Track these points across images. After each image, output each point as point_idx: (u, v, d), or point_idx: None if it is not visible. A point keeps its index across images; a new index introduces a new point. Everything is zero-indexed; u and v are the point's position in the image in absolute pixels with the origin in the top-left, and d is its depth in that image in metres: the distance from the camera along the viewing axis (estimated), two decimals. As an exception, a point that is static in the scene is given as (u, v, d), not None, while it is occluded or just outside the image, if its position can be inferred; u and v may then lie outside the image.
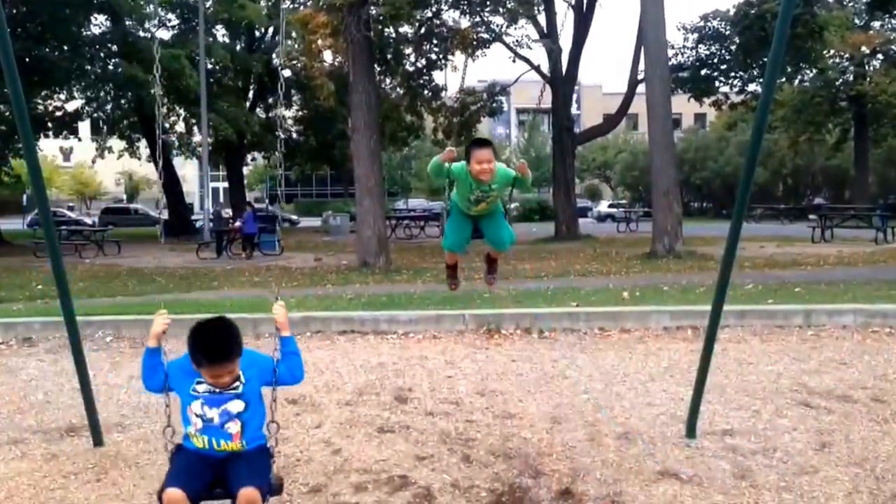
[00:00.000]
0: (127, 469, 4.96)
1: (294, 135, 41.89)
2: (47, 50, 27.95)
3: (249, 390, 3.61)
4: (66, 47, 29.18)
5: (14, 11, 26.45)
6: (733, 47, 29.23)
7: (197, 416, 3.54)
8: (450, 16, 24.97)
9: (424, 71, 27.56)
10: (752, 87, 30.70)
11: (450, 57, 26.42)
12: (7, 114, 25.61)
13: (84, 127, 38.74)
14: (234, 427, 3.53)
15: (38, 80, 27.69)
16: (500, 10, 24.15)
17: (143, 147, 39.92)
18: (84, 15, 29.39)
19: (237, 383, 3.58)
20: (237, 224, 25.19)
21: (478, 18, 25.18)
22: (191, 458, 3.57)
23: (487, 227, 5.45)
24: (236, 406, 3.55)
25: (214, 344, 3.48)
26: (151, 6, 30.86)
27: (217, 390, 3.55)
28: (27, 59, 25.68)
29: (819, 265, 16.95)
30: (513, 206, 5.55)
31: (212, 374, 3.49)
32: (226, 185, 49.02)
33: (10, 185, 38.28)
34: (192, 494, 3.39)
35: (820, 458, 4.95)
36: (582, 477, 4.70)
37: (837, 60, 36.18)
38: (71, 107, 35.00)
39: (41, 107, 32.01)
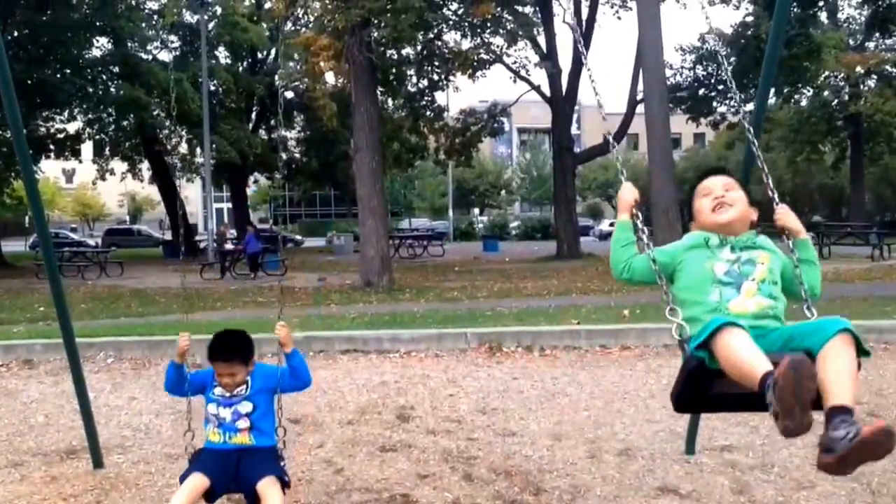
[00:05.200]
0: (127, 491, 4.96)
1: (297, 155, 42.12)
2: (49, 72, 28.11)
3: (255, 394, 3.96)
4: (67, 70, 29.38)
5: (16, 34, 26.69)
6: (730, 68, 29.49)
7: (213, 415, 3.93)
8: (451, 37, 25.17)
9: (426, 92, 27.76)
10: (749, 106, 30.87)
11: (451, 78, 26.63)
12: (8, 135, 25.76)
13: (86, 148, 38.96)
14: (243, 424, 3.90)
15: (40, 101, 27.90)
16: (501, 31, 24.32)
17: (145, 169, 40.14)
18: (86, 37, 29.63)
19: (244, 388, 3.95)
20: (240, 246, 25.25)
21: (478, 40, 25.35)
22: (210, 455, 3.89)
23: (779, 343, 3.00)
24: (245, 407, 3.93)
25: (224, 342, 3.93)
26: (153, 31, 31.13)
27: (227, 395, 3.94)
28: (29, 82, 25.84)
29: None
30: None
31: (218, 372, 3.92)
32: (229, 205, 49.18)
33: (13, 207, 38.43)
34: (213, 482, 3.73)
35: (817, 474, 4.95)
36: (582, 494, 4.73)
37: (833, 81, 36.40)
38: (72, 128, 35.20)
39: (43, 129, 32.18)
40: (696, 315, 2.78)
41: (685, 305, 2.87)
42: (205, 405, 4.03)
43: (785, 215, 3.09)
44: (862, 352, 2.58)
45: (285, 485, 3.84)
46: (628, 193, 3.14)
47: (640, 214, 3.10)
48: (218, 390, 3.96)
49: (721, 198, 2.98)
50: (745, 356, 2.44)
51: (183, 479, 3.75)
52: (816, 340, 2.55)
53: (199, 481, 3.69)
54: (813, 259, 3.07)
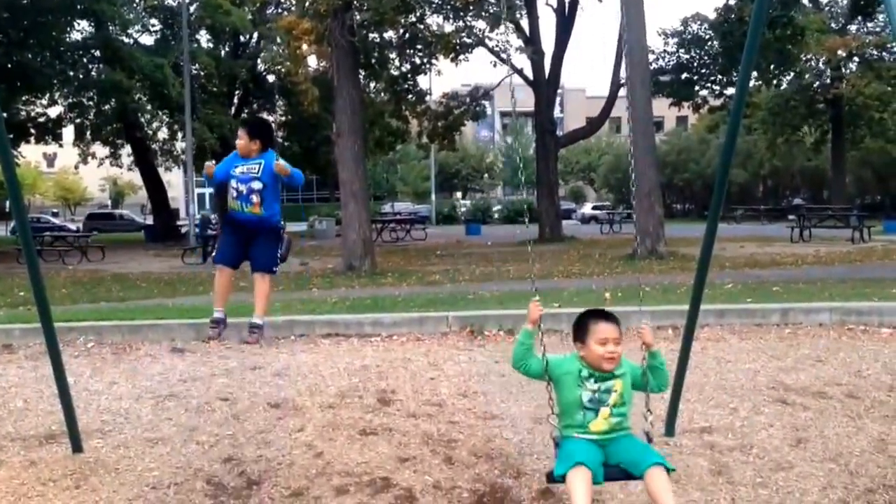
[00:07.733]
0: (106, 475, 4.92)
1: (279, 139, 41.87)
2: (30, 56, 27.81)
3: (265, 176, 6.03)
4: (48, 53, 29.06)
5: (-4, 17, 26.36)
6: (713, 52, 29.54)
7: (233, 188, 5.93)
8: (434, 20, 25.07)
9: (408, 75, 27.66)
10: (731, 90, 30.95)
11: (433, 61, 26.55)
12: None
13: (67, 133, 38.63)
14: (255, 198, 5.86)
15: (20, 85, 27.62)
16: (484, 14, 24.23)
17: (125, 154, 39.84)
18: (67, 21, 29.30)
19: (258, 165, 6.09)
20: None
21: (461, 23, 25.25)
22: (230, 231, 6.13)
23: (620, 455, 3.67)
24: (257, 185, 5.87)
25: (258, 121, 6.11)
26: (133, 13, 30.82)
27: (244, 170, 6.06)
28: (9, 65, 25.58)
29: (797, 264, 17.11)
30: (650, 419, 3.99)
31: (239, 134, 5.96)
32: (211, 190, 48.95)
33: (-7, 192, 38.13)
34: (234, 261, 6.64)
35: (795, 454, 5.01)
36: (562, 476, 4.74)
37: (814, 63, 36.53)
38: (54, 112, 34.90)
39: (23, 113, 31.88)
40: (568, 426, 3.73)
41: (561, 418, 3.79)
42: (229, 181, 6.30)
43: (644, 333, 3.91)
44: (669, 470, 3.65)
45: (272, 272, 6.47)
46: (535, 311, 3.99)
47: (541, 326, 3.99)
48: (237, 169, 5.83)
49: (613, 353, 3.68)
50: (577, 494, 3.38)
51: (215, 261, 6.35)
52: (639, 468, 3.59)
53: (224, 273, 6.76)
54: (660, 365, 3.90)
